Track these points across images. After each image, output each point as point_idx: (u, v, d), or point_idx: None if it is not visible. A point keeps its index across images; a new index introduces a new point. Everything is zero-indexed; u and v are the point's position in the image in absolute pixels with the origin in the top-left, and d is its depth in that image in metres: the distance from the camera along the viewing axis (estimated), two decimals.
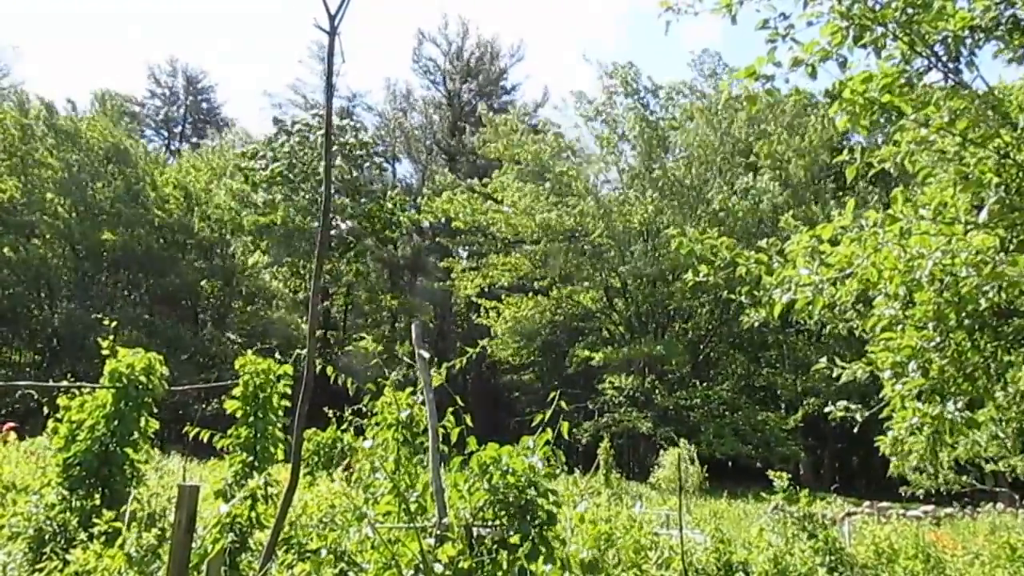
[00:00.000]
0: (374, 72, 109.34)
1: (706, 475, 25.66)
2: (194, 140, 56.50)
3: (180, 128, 63.36)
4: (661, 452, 27.94)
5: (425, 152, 54.22)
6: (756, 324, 10.15)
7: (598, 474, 21.18)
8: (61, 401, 8.01)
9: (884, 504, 22.23)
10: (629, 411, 37.76)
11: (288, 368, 7.77)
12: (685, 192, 38.35)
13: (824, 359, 7.40)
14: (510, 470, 5.65)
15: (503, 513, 5.55)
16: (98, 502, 7.68)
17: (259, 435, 7.19)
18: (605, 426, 37.28)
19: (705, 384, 39.58)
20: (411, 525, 5.48)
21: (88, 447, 7.72)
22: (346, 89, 59.98)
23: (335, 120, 42.52)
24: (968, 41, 5.24)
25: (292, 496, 3.89)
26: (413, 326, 6.11)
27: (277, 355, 9.34)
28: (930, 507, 21.82)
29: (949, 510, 21.55)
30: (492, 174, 41.56)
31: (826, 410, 7.22)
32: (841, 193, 43.24)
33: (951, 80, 5.36)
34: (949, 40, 5.25)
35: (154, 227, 37.29)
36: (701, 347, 41.59)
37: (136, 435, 7.93)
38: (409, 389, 10.13)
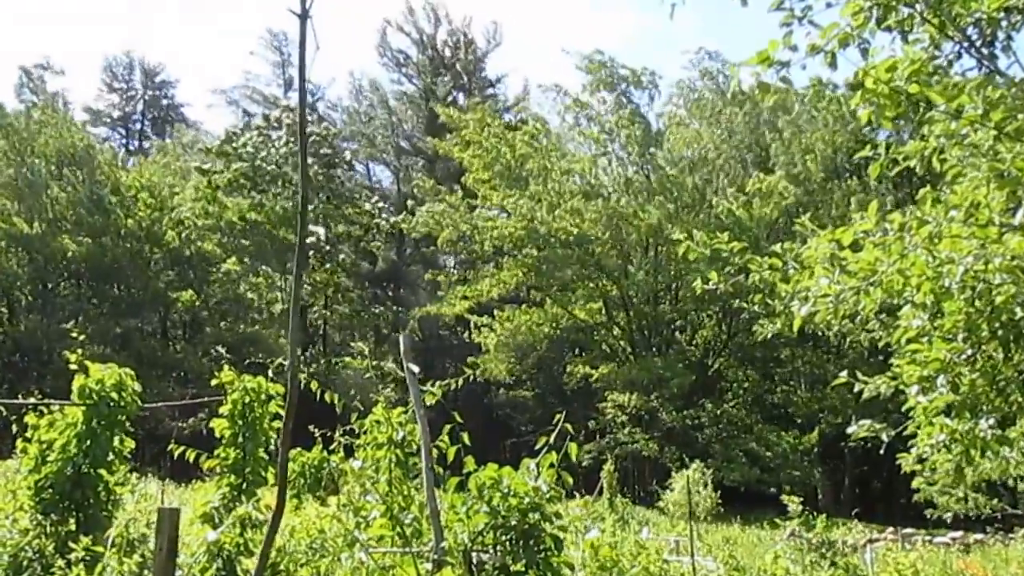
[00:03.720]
0: (338, 66, 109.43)
1: (719, 500, 25.61)
2: (153, 138, 55.83)
3: (139, 126, 62.78)
4: (673, 474, 27.82)
5: (397, 152, 53.65)
6: (769, 336, 10.12)
7: (601, 498, 21.13)
8: (29, 419, 7.99)
9: (909, 530, 22.19)
10: (632, 431, 37.63)
11: (280, 387, 7.76)
12: (687, 195, 38.31)
13: (844, 373, 7.33)
14: (511, 492, 5.64)
15: (504, 538, 5.53)
16: (73, 527, 7.68)
17: (248, 457, 7.18)
18: (608, 447, 37.12)
19: (713, 402, 39.50)
20: (407, 550, 5.45)
21: (60, 468, 7.71)
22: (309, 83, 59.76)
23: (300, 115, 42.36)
24: (1004, 24, 5.15)
25: (279, 521, 3.86)
26: (402, 338, 6.09)
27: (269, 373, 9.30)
28: (958, 533, 21.75)
29: (979, 536, 21.43)
30: (467, 177, 40.77)
31: (849, 430, 7.18)
32: (863, 193, 43.31)
33: (985, 67, 5.29)
34: (983, 22, 5.15)
35: (120, 234, 37.11)
36: (708, 362, 41.58)
37: (111, 456, 7.92)
38: (401, 408, 10.17)
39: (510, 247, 38.31)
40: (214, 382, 8.88)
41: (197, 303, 39.03)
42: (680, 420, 37.75)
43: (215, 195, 38.98)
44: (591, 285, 39.37)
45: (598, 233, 36.90)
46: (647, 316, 39.85)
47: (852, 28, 5.65)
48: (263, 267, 41.26)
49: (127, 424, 8.10)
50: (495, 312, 39.65)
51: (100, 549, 7.33)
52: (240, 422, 7.35)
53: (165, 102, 64.04)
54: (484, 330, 39.74)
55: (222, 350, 36.97)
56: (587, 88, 40.37)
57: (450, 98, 51.43)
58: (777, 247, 8.73)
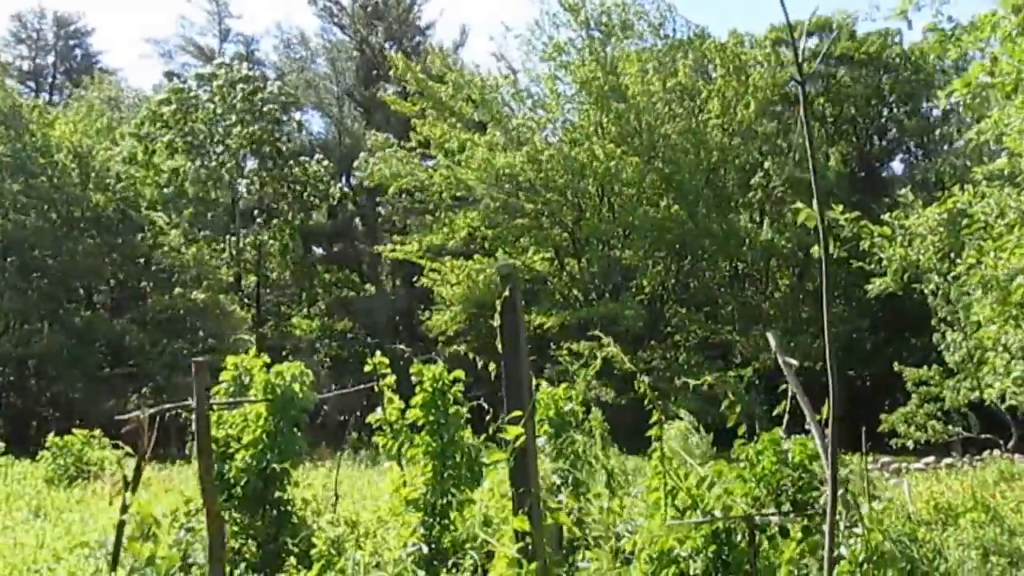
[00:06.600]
0: (264, 18, 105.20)
1: (714, 446, 26.58)
2: (76, 93, 52.39)
3: (52, 79, 58.95)
4: (667, 424, 28.62)
5: (337, 105, 52.78)
6: (881, 294, 10.96)
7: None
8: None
9: (887, 459, 23.80)
10: (588, 379, 38.31)
11: (461, 373, 7.98)
12: (639, 141, 38.95)
13: (994, 327, 8.10)
14: (788, 460, 6.16)
15: (780, 502, 6.06)
16: (266, 524, 7.82)
17: (448, 442, 7.44)
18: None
19: (664, 346, 40.90)
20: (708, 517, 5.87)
21: (249, 465, 7.80)
22: (240, 35, 57.80)
23: (243, 70, 41.05)
24: None
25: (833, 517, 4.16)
26: (770, 336, 6.46)
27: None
28: (930, 459, 23.45)
29: (949, 460, 23.17)
30: (416, 125, 40.35)
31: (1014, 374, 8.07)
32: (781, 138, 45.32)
33: None
34: None
35: (48, 200, 35.02)
36: (656, 306, 42.83)
37: (294, 450, 8.06)
38: (565, 385, 10.61)
39: (465, 194, 38.37)
40: (367, 368, 8.98)
41: (136, 272, 37.48)
42: (634, 364, 38.56)
43: (152, 157, 37.42)
44: (543, 234, 39.90)
45: (555, 177, 37.08)
46: (599, 262, 40.62)
47: None
48: (203, 233, 39.99)
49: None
50: (446, 261, 39.67)
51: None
52: (433, 410, 7.58)
53: (79, 52, 60.15)
54: (433, 275, 39.70)
55: (166, 324, 35.75)
56: (542, 23, 39.63)
57: (385, 47, 50.44)
58: (887, 216, 9.67)
